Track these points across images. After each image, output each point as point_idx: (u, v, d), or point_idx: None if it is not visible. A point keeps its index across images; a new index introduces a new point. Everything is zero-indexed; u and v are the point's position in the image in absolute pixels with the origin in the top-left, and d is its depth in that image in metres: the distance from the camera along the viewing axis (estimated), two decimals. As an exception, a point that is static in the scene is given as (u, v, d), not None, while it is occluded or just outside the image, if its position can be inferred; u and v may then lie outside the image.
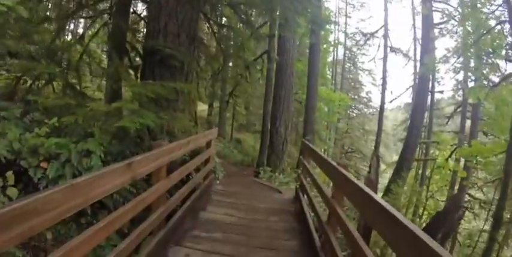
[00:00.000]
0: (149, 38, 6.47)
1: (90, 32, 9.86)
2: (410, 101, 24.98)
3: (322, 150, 25.15)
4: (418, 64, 23.05)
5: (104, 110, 4.41)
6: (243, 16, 7.69)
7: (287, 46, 12.58)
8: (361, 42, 29.03)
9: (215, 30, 8.35)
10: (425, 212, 12.96)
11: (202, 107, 27.77)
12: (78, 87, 6.72)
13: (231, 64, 12.55)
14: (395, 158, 32.23)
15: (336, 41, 29.69)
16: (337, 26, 29.79)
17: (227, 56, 8.69)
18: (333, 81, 30.10)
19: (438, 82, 21.24)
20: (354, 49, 32.82)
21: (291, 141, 16.28)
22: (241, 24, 8.70)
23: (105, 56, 11.39)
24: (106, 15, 8.34)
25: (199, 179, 5.74)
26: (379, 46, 25.37)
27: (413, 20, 23.75)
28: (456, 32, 18.23)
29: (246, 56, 11.01)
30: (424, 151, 22.66)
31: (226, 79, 10.78)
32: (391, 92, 25.36)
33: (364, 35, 26.71)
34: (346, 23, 30.96)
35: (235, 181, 9.83)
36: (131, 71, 7.55)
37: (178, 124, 5.45)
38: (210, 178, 6.73)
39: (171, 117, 5.20)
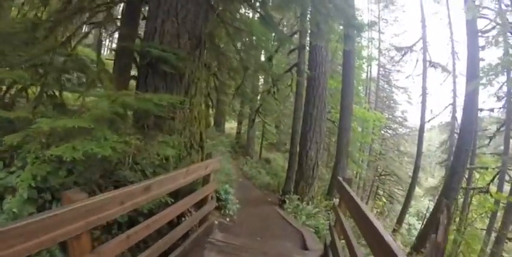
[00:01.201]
0: (144, 40, 5.05)
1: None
2: (449, 120, 22.40)
3: (355, 173, 23.18)
4: (457, 80, 20.77)
5: (46, 129, 2.90)
6: (265, 18, 6.07)
7: (319, 59, 10.93)
8: (397, 58, 26.82)
9: (231, 34, 6.82)
10: None
11: (232, 125, 26.66)
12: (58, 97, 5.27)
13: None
14: (432, 181, 29.77)
15: (370, 55, 27.68)
16: (371, 42, 27.93)
17: (247, 67, 7.10)
18: (367, 100, 28.02)
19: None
20: (388, 66, 30.68)
21: (322, 163, 14.43)
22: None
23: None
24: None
25: (180, 233, 3.85)
26: (417, 61, 23.03)
27: (451, 32, 21.46)
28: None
29: (273, 69, 9.49)
30: (466, 177, 20.07)
31: (246, 95, 9.13)
32: (431, 110, 22.21)
33: (400, 49, 24.47)
34: (379, 39, 29.00)
35: (252, 215, 8.15)
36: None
37: (160, 152, 3.81)
38: (208, 224, 4.87)
39: (148, 142, 3.62)
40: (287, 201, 9.68)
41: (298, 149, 10.73)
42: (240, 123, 24.77)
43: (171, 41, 4.79)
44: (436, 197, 19.38)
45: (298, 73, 10.30)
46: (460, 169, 13.97)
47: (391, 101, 32.54)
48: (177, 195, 3.86)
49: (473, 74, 13.96)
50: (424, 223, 16.40)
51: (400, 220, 20.12)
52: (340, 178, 4.78)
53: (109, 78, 4.65)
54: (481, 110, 17.34)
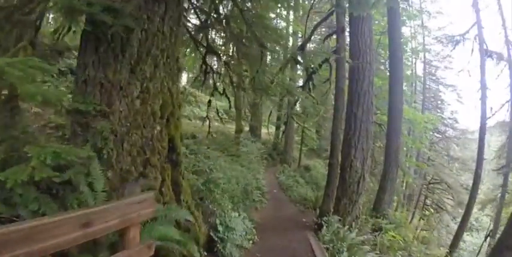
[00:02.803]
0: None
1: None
2: (506, 119, 18.75)
3: (402, 182, 20.52)
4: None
5: None
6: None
7: (362, 47, 8.48)
8: (444, 53, 23.21)
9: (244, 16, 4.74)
10: None
11: (270, 130, 24.48)
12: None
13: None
14: (485, 189, 25.62)
15: (415, 48, 24.25)
16: (417, 34, 24.48)
17: (263, 46, 4.92)
18: (414, 99, 24.68)
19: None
20: (435, 62, 26.96)
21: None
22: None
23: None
24: None
25: None
26: (472, 51, 19.33)
27: (503, 19, 17.79)
28: None
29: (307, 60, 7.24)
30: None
31: (266, 88, 6.80)
32: (491, 108, 18.33)
33: (451, 39, 20.47)
34: (423, 33, 25.50)
35: (271, 251, 5.80)
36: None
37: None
38: None
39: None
40: (324, 225, 7.32)
41: (339, 159, 8.29)
42: (278, 128, 22.58)
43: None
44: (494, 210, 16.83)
45: (337, 64, 7.83)
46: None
47: (439, 101, 28.68)
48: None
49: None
50: (488, 240, 13.44)
51: (457, 237, 16.84)
52: None
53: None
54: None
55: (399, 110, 11.59)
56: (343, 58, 7.32)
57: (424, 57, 25.95)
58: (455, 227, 18.01)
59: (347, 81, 8.27)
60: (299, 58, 7.53)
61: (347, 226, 7.59)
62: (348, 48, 8.46)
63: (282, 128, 20.87)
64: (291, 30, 20.34)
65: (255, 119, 21.02)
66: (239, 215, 6.00)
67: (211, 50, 6.29)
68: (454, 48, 19.18)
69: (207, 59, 6.46)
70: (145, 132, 3.11)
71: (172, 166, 3.63)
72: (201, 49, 6.43)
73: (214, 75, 6.93)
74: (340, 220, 7.78)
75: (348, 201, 8.48)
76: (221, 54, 6.58)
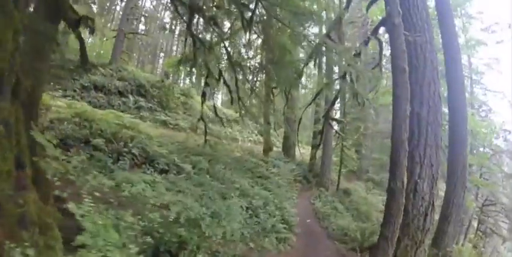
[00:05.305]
0: None
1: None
2: None
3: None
4: None
5: None
6: None
7: (416, 22, 5.77)
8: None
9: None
10: None
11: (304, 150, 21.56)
12: None
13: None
14: None
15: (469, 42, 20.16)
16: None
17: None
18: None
19: None
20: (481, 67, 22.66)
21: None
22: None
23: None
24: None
25: None
26: None
27: None
28: None
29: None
30: None
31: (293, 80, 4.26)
32: None
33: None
34: (465, 37, 21.31)
35: None
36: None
37: None
38: None
39: None
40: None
41: (401, 182, 5.21)
42: (313, 147, 19.62)
43: None
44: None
45: (392, 36, 4.96)
46: None
47: (487, 110, 24.18)
48: None
49: None
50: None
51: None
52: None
53: None
54: None
55: (463, 117, 8.49)
56: (398, 26, 4.59)
57: (469, 61, 21.96)
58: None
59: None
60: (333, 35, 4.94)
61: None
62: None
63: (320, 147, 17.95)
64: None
65: (287, 137, 18.41)
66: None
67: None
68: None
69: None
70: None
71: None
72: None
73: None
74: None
75: (411, 242, 5.60)
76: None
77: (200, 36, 5.49)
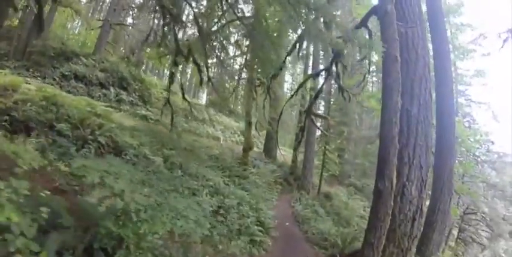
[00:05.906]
0: None
1: None
2: None
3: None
4: None
5: None
6: None
7: (408, 16, 5.33)
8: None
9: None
10: None
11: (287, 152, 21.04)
12: None
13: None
14: None
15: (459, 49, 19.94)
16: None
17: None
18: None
19: None
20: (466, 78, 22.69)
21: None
22: None
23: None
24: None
25: None
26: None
27: None
28: None
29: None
30: None
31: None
32: None
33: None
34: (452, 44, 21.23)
35: None
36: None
37: None
38: None
39: None
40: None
41: (386, 184, 4.63)
42: (295, 149, 19.11)
43: None
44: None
45: (383, 24, 4.45)
46: None
47: (471, 121, 24.19)
48: None
49: None
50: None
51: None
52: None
53: None
54: None
55: (451, 121, 8.08)
56: (391, 13, 4.06)
57: (455, 70, 21.84)
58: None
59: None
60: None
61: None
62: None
63: (301, 149, 17.40)
64: None
65: (269, 138, 17.89)
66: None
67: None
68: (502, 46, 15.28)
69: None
70: None
71: None
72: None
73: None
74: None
75: (397, 249, 5.04)
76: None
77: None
